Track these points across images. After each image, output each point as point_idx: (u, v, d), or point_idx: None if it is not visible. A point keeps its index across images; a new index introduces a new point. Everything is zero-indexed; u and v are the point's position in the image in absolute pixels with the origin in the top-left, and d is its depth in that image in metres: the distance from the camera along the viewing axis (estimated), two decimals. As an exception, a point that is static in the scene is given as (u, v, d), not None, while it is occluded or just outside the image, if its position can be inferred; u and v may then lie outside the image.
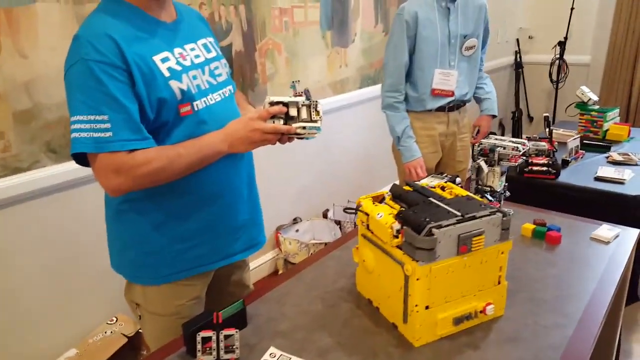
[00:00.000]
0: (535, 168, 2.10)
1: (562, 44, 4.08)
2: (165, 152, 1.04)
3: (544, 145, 2.12)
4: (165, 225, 1.14)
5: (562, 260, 1.35)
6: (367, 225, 1.10)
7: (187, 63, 1.10)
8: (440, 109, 2.13)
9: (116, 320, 1.85)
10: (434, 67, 2.06)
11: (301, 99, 1.09)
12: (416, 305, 0.98)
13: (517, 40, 4.63)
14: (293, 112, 1.08)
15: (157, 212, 1.13)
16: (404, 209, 1.05)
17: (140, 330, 1.81)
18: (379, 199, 1.16)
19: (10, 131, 1.59)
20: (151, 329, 1.23)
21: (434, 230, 0.94)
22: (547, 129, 2.13)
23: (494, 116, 2.26)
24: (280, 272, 2.76)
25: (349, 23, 2.91)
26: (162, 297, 1.18)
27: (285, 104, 1.08)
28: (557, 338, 1.03)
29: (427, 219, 0.96)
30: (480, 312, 1.06)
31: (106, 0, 1.06)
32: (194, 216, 1.15)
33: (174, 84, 1.06)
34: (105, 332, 1.79)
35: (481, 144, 1.55)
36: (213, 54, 1.19)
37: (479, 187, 1.56)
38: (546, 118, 2.17)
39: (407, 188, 1.16)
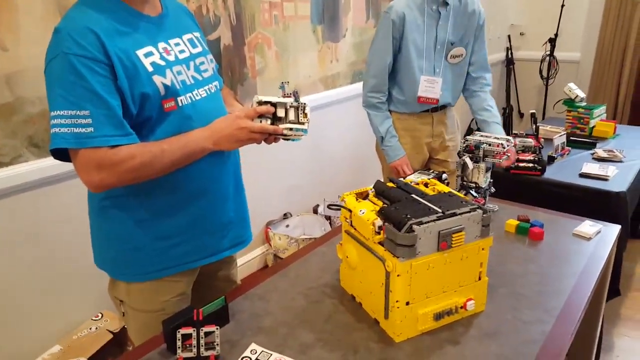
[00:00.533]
0: (521, 164, 2.11)
1: (552, 41, 4.10)
2: (149, 148, 1.03)
3: (531, 141, 2.13)
4: (149, 222, 1.13)
5: (544, 256, 1.37)
6: (351, 222, 1.11)
7: (172, 58, 1.09)
8: (425, 110, 2.11)
9: (102, 317, 1.84)
10: (420, 72, 2.02)
11: (290, 100, 1.09)
12: (397, 301, 0.99)
13: (509, 36, 4.64)
14: (281, 112, 1.09)
15: (141, 209, 1.12)
16: (386, 205, 1.06)
17: (125, 327, 1.80)
18: (363, 196, 1.16)
19: (-9, 125, 1.58)
20: (135, 325, 1.23)
21: (414, 226, 0.94)
22: (534, 126, 2.14)
23: None
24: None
25: (340, 18, 2.91)
26: (146, 294, 1.18)
27: (274, 104, 1.08)
28: (536, 333, 1.05)
29: (408, 216, 0.96)
30: (461, 307, 1.07)
31: None
32: (178, 213, 1.15)
33: (158, 79, 1.05)
34: (91, 329, 1.78)
35: (467, 140, 1.56)
36: (199, 49, 1.18)
37: (464, 183, 1.57)
38: (533, 115, 2.19)
39: (390, 185, 1.16)
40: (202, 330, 0.95)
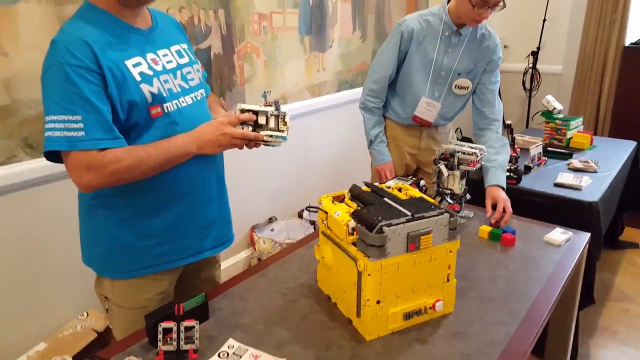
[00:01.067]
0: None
1: (535, 54, 4.21)
2: (135, 151, 1.09)
3: (508, 151, 2.20)
4: (134, 221, 1.19)
5: (514, 261, 1.43)
6: (327, 223, 1.16)
7: (159, 68, 1.15)
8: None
9: (87, 316, 1.87)
10: (419, 91, 2.01)
11: (270, 109, 1.16)
12: (368, 300, 1.04)
13: (494, 49, 4.74)
14: (262, 120, 1.16)
15: (126, 208, 1.18)
16: (360, 207, 1.12)
17: (110, 326, 1.83)
18: (340, 199, 1.22)
19: (-13, 127, 1.62)
20: (119, 321, 1.27)
21: (384, 228, 1.00)
22: (510, 136, 2.22)
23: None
24: (254, 271, 2.80)
25: (327, 29, 2.98)
26: (129, 291, 1.23)
27: (255, 112, 1.15)
28: (501, 334, 1.10)
29: (379, 218, 1.02)
30: (430, 308, 1.12)
31: (83, 7, 1.11)
32: (162, 213, 1.20)
33: (145, 88, 1.11)
34: (76, 327, 1.81)
35: (442, 148, 1.63)
36: (186, 59, 1.24)
37: (440, 189, 1.64)
38: (508, 125, 2.26)
39: (365, 189, 1.22)
40: (182, 324, 0.99)
